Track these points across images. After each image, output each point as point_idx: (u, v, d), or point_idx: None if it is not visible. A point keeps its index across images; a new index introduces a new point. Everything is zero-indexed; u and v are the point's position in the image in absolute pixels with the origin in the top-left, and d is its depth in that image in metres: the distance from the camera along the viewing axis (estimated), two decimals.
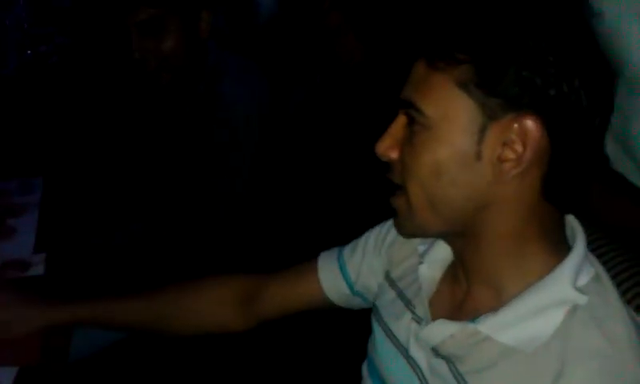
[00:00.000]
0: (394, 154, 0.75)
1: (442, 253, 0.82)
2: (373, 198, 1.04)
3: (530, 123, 0.65)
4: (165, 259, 1.58)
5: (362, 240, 0.99)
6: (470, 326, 0.71)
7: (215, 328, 1.10)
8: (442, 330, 0.74)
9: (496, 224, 0.70)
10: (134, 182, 1.75)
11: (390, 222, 0.95)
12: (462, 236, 0.74)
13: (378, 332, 0.90)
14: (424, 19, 0.75)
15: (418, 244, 0.86)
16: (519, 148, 0.66)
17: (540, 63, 0.64)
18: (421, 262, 0.84)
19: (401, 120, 0.74)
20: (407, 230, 0.78)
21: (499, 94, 0.65)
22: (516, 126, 0.66)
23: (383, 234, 0.96)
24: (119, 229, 1.69)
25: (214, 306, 1.09)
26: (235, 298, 1.08)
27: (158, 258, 1.60)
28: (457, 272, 0.80)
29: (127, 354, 1.44)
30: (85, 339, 1.39)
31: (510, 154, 0.66)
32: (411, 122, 0.72)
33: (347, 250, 1.01)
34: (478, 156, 0.67)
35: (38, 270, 1.28)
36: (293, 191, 1.51)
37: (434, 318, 0.78)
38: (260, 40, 2.04)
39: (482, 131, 0.67)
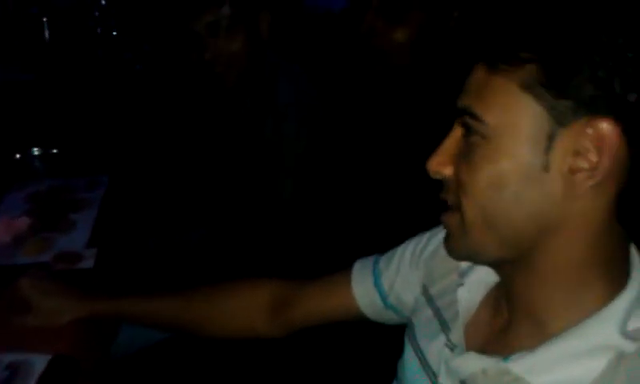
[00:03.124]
0: (447, 171, 0.69)
1: (484, 274, 0.76)
2: (418, 207, 1.00)
3: (606, 127, 0.58)
4: (224, 263, 1.60)
5: (399, 250, 0.94)
6: (502, 365, 0.65)
7: (246, 332, 1.09)
8: (474, 364, 0.68)
9: (559, 250, 0.63)
10: (196, 186, 1.78)
11: (430, 233, 0.91)
12: (515, 264, 0.67)
13: (408, 352, 0.85)
14: (483, 17, 0.70)
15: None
16: (594, 157, 0.58)
17: (617, 61, 0.57)
18: (460, 284, 0.78)
19: (456, 133, 0.68)
20: (459, 253, 0.72)
21: (570, 96, 0.58)
22: (590, 131, 0.58)
23: (422, 245, 0.90)
24: (179, 233, 1.73)
25: (246, 309, 1.08)
26: (268, 303, 1.06)
27: (218, 262, 1.62)
28: (499, 299, 0.73)
29: (171, 353, 1.45)
30: (131, 336, 1.42)
31: (583, 164, 0.59)
32: (468, 133, 0.65)
33: (383, 259, 0.96)
34: (546, 167, 0.60)
35: (88, 263, 1.31)
36: (339, 197, 1.48)
37: (469, 346, 0.73)
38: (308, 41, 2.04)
39: (550, 139, 0.60)
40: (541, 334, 0.65)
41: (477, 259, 0.72)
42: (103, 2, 2.90)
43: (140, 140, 1.95)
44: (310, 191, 1.49)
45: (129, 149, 1.90)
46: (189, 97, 1.91)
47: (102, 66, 2.74)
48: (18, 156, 1.73)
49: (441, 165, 0.69)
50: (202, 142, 1.80)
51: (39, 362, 1.01)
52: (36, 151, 1.77)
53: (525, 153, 0.61)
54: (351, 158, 1.44)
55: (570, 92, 0.58)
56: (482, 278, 0.77)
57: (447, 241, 0.72)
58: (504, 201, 0.63)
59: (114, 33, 2.86)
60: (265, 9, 1.53)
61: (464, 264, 0.79)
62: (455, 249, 0.71)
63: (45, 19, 2.82)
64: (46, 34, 2.83)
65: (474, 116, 0.64)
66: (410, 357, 0.84)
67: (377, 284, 0.94)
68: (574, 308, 0.63)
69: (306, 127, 1.49)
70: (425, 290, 0.87)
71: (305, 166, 1.48)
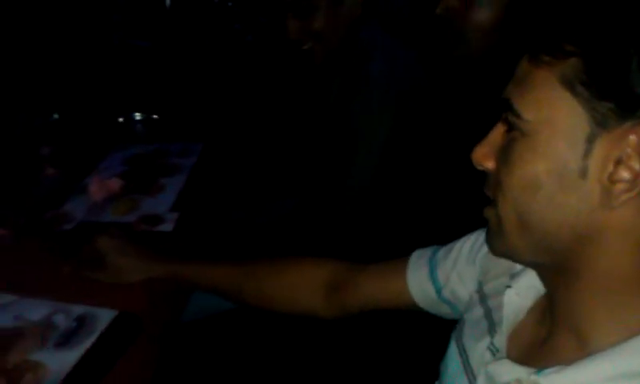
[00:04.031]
0: (489, 164, 0.66)
1: (535, 279, 0.71)
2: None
3: None
4: (310, 236, 1.61)
5: (458, 244, 0.91)
6: (533, 377, 0.61)
7: (303, 309, 1.09)
8: (508, 373, 0.65)
9: (598, 260, 0.58)
10: (287, 157, 1.80)
11: None
12: (555, 270, 0.63)
13: (452, 351, 0.82)
14: (532, 5, 0.65)
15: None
16: (636, 165, 0.53)
17: None
18: (509, 286, 0.74)
19: (501, 126, 0.65)
20: (496, 250, 0.69)
21: (613, 97, 0.53)
22: (633, 138, 0.53)
23: (481, 241, 0.86)
24: (264, 206, 1.75)
25: (305, 286, 1.08)
26: (327, 282, 1.06)
27: (305, 234, 1.63)
28: (545, 307, 0.69)
29: (238, 323, 1.49)
30: (202, 302, 1.46)
31: (623, 174, 0.54)
32: (510, 127, 0.62)
33: (442, 251, 0.93)
34: (583, 173, 0.56)
35: (168, 227, 1.36)
36: (412, 183, 1.44)
37: (510, 353, 0.69)
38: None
39: (590, 142, 0.55)
40: (581, 349, 0.61)
41: (514, 259, 0.69)
42: None
43: (236, 111, 2.00)
44: (386, 174, 1.46)
45: (225, 119, 1.95)
46: (286, 70, 1.93)
47: (213, 36, 2.81)
48: (120, 119, 1.82)
49: (483, 157, 0.66)
50: (294, 115, 1.82)
51: (105, 317, 1.06)
52: (138, 116, 1.85)
53: (561, 155, 0.57)
54: (429, 144, 1.39)
55: (613, 93, 0.53)
56: (534, 283, 0.72)
57: (487, 236, 0.69)
58: (537, 204, 0.59)
59: (230, 3, 2.93)
60: None
61: (518, 266, 0.75)
62: (492, 245, 0.68)
63: None
64: (167, 1, 2.94)
65: (513, 110, 0.60)
66: (453, 356, 0.81)
67: (432, 275, 0.92)
68: (617, 325, 0.58)
69: (393, 105, 1.45)
70: (480, 288, 0.84)
71: (384, 147, 1.45)
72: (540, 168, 0.58)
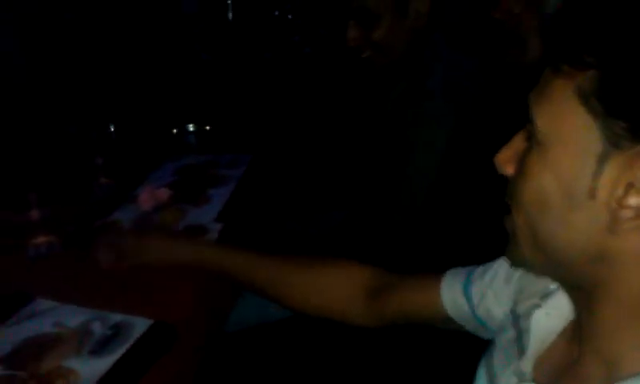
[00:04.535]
0: (509, 169, 0.64)
1: (567, 299, 0.68)
2: None
3: None
4: (360, 247, 1.59)
5: (497, 263, 0.88)
6: None
7: (334, 312, 1.06)
8: None
9: (616, 284, 0.55)
10: (335, 170, 1.79)
11: None
12: (577, 288, 0.60)
13: (481, 375, 0.79)
14: (559, 12, 0.62)
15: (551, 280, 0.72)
16: None
17: None
18: (538, 306, 0.71)
19: (525, 131, 0.63)
20: (512, 261, 0.67)
21: (627, 115, 0.50)
22: None
23: None
24: (317, 216, 1.75)
25: (340, 289, 1.05)
26: (363, 287, 1.03)
27: (355, 245, 1.61)
28: (575, 330, 0.66)
29: (283, 333, 1.48)
30: (246, 311, 1.47)
31: (632, 200, 0.51)
32: (529, 135, 0.60)
33: (480, 269, 0.90)
34: (592, 194, 0.53)
35: (212, 237, 1.37)
36: (466, 202, 1.40)
37: (537, 378, 0.66)
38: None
39: (601, 161, 0.52)
40: (608, 375, 0.57)
41: (532, 272, 0.68)
42: None
43: (288, 121, 2.00)
44: (443, 190, 1.42)
45: (276, 129, 1.96)
46: (343, 80, 1.91)
47: (273, 48, 2.84)
48: (174, 131, 1.86)
49: (505, 161, 0.64)
50: (349, 125, 1.80)
51: (141, 326, 1.07)
52: (191, 127, 1.89)
53: (571, 171, 0.54)
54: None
55: (628, 111, 0.50)
56: (565, 303, 0.68)
57: (507, 246, 0.67)
58: (547, 221, 0.57)
59: (289, 16, 2.95)
60: None
61: (552, 285, 0.71)
62: (509, 256, 0.67)
63: (229, 1, 2.99)
64: (230, 15, 2.99)
65: (530, 117, 0.57)
66: (481, 380, 0.78)
67: (466, 291, 0.89)
68: None
69: (451, 119, 1.41)
70: (513, 307, 0.80)
71: (442, 163, 1.41)
72: (548, 183, 0.56)
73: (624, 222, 0.51)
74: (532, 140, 0.58)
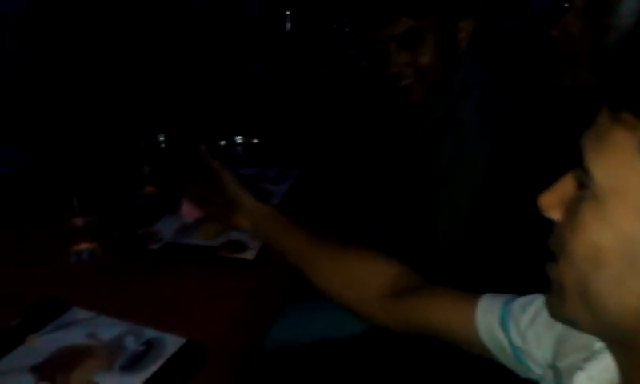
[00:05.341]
0: (555, 214, 0.59)
1: (612, 362, 0.63)
2: None
3: None
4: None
5: (538, 300, 0.82)
6: None
7: (358, 303, 1.04)
8: None
9: None
10: (382, 188, 1.76)
11: None
12: (627, 349, 0.56)
13: None
14: (618, 49, 0.57)
15: None
16: None
17: None
18: (580, 368, 0.66)
19: (573, 175, 0.58)
20: (554, 314, 0.62)
21: None
22: None
23: None
24: (358, 236, 1.72)
25: (368, 279, 1.03)
26: (391, 284, 1.00)
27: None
28: None
29: (324, 355, 1.46)
30: (284, 330, 1.45)
31: None
32: (581, 183, 0.55)
33: (520, 301, 0.85)
34: None
35: (250, 255, 1.35)
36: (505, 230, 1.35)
37: None
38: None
39: None
40: None
41: (574, 328, 0.62)
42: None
43: (337, 136, 1.98)
44: (480, 218, 1.37)
45: (323, 145, 1.94)
46: (380, 102, 1.89)
47: (330, 61, 2.83)
48: (222, 143, 1.86)
49: (551, 206, 0.59)
50: (386, 147, 1.77)
51: (173, 344, 1.06)
52: (239, 139, 1.88)
53: (631, 231, 0.49)
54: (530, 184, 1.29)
55: None
56: (610, 366, 0.63)
57: (547, 295, 0.62)
58: (601, 280, 0.52)
59: (346, 29, 2.94)
60: (467, 16, 1.43)
61: (596, 342, 0.66)
62: (550, 308, 0.62)
63: (287, 13, 3.00)
64: (287, 26, 3.00)
65: (584, 165, 0.53)
66: None
67: (503, 323, 0.84)
68: None
69: (488, 146, 1.36)
70: (554, 362, 0.75)
71: (479, 191, 1.36)
72: (606, 241, 0.51)
73: None
74: (585, 189, 0.54)
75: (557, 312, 0.62)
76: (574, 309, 0.57)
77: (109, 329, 1.09)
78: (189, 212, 1.48)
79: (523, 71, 1.54)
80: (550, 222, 0.60)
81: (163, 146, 1.71)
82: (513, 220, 1.33)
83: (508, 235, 1.35)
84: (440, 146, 1.40)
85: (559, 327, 0.76)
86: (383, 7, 1.38)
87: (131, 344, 1.06)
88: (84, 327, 1.10)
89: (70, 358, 1.01)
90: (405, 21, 1.37)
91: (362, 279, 1.04)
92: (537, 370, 0.81)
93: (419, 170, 1.51)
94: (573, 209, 0.56)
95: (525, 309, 0.83)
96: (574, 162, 0.58)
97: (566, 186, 0.59)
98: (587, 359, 0.66)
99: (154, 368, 1.00)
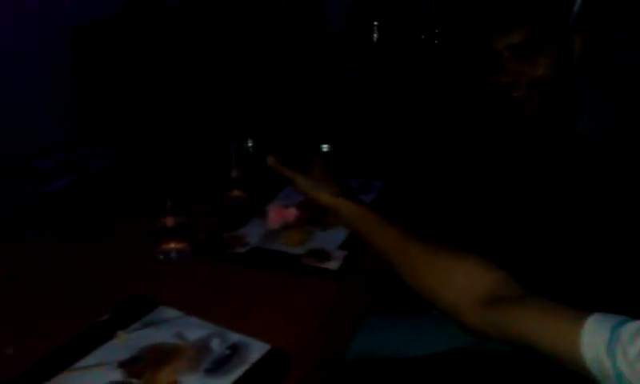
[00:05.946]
0: None
1: None
2: None
3: None
4: None
5: None
6: None
7: (452, 306, 1.01)
8: None
9: None
10: (473, 205, 1.71)
11: None
12: None
13: None
14: None
15: None
16: None
17: None
18: None
19: None
20: None
21: None
22: None
23: None
24: None
25: (464, 284, 1.00)
26: (490, 290, 0.97)
27: None
28: None
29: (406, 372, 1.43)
30: (364, 343, 1.43)
31: None
32: None
33: (629, 329, 0.79)
34: None
35: (334, 265, 1.34)
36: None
37: None
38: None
39: None
40: None
41: None
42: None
43: (421, 151, 1.95)
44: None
45: (408, 157, 1.91)
46: (481, 115, 1.84)
47: (417, 73, 2.80)
48: (325, 147, 1.86)
49: None
50: (484, 162, 1.72)
51: (257, 349, 1.05)
52: (325, 148, 1.88)
53: None
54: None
55: None
56: None
57: None
58: None
59: (436, 41, 2.90)
60: (580, 31, 1.38)
61: None
62: None
63: (376, 23, 2.99)
64: (375, 36, 2.99)
65: None
66: None
67: (609, 348, 0.78)
68: None
69: (607, 164, 1.31)
70: None
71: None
72: None
73: None
74: None
75: None
76: None
77: (195, 330, 1.10)
78: (275, 218, 1.48)
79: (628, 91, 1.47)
80: None
81: (251, 151, 1.72)
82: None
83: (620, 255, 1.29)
84: (551, 165, 1.36)
85: None
86: (500, 15, 1.35)
87: (217, 347, 1.06)
88: (171, 326, 1.11)
89: (157, 357, 1.02)
90: (521, 30, 1.34)
91: (460, 281, 1.01)
92: None
93: (527, 183, 1.45)
94: None
95: (635, 338, 0.77)
96: None
97: None
98: None
99: (238, 373, 1.00)
